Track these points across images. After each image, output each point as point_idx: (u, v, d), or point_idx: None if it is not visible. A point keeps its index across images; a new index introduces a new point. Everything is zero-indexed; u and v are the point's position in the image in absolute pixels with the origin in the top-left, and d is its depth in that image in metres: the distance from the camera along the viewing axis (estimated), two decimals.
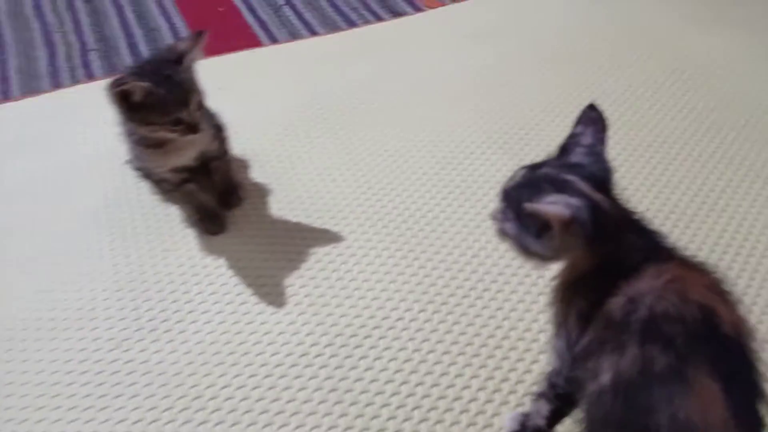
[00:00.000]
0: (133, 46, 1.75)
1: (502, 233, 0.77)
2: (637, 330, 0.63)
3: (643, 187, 1.30)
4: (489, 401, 0.96)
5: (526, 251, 0.75)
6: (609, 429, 0.64)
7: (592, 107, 0.78)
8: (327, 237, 1.21)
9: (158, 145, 1.12)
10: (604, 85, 1.56)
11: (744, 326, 0.63)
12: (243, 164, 1.37)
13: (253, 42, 1.77)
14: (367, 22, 1.84)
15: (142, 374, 1.00)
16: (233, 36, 1.79)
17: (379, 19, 1.85)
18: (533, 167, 0.77)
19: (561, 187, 0.71)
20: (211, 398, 0.97)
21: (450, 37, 1.76)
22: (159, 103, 1.03)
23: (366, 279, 1.14)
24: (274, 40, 1.78)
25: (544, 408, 0.84)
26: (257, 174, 1.35)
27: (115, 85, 1.00)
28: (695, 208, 1.25)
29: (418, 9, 1.89)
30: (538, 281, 1.12)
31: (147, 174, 1.28)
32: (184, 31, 1.81)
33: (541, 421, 0.85)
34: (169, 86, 1.03)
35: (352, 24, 1.83)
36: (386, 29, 1.81)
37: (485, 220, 1.24)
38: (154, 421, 0.94)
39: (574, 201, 0.68)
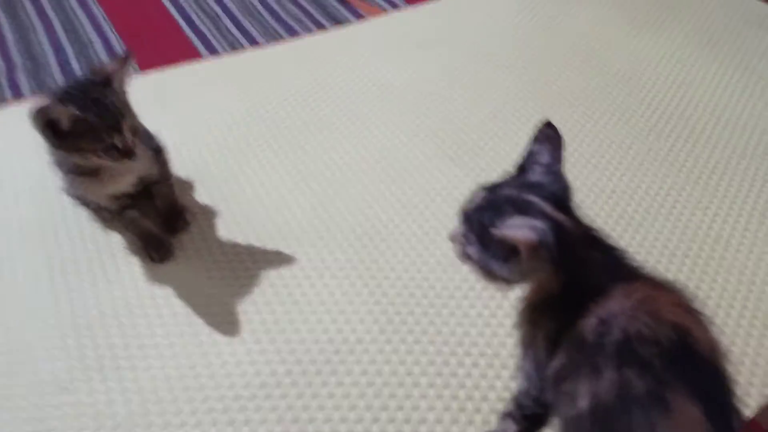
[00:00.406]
0: (63, 63, 1.66)
1: (465, 257, 0.76)
2: (613, 353, 0.63)
3: (591, 193, 1.32)
4: (455, 422, 0.95)
5: (491, 275, 0.74)
6: None
7: (548, 125, 0.78)
8: (279, 258, 1.18)
9: (92, 173, 1.06)
10: (550, 91, 1.58)
11: (718, 346, 0.64)
12: (187, 185, 1.32)
13: (192, 54, 1.71)
14: (308, 30, 1.81)
15: (91, 418, 0.94)
16: (171, 49, 1.72)
17: (320, 27, 1.82)
18: (493, 188, 0.76)
19: (523, 208, 0.71)
20: (165, 427, 0.93)
21: (394, 45, 1.75)
22: (88, 130, 0.97)
23: (322, 301, 1.11)
24: (213, 52, 1.72)
25: (511, 428, 0.84)
26: (202, 195, 1.30)
27: (39, 113, 0.94)
28: (642, 213, 1.28)
29: (360, 16, 1.87)
30: (497, 295, 1.12)
31: (84, 202, 1.21)
32: (118, 46, 1.73)
33: None
34: (98, 110, 0.97)
35: (293, 33, 1.80)
36: (328, 38, 1.78)
37: (439, 233, 1.23)
38: None
39: (538, 223, 0.68)
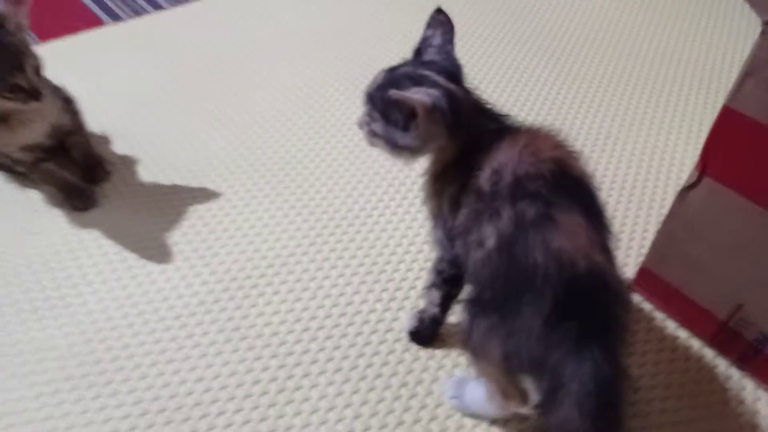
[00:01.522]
0: None
1: (371, 135, 0.83)
2: (507, 194, 0.71)
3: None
4: (387, 309, 1.03)
5: (395, 147, 0.81)
6: (496, 284, 0.72)
7: (439, 11, 0.86)
8: (205, 194, 1.21)
9: (1, 120, 1.05)
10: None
11: (587, 171, 0.75)
12: (103, 139, 1.32)
13: (93, 22, 1.69)
14: None
15: (32, 353, 0.95)
16: (71, 18, 1.69)
17: None
18: (392, 69, 0.83)
19: (419, 81, 0.78)
20: (113, 359, 0.95)
21: None
22: None
23: (252, 225, 1.16)
24: (116, 18, 1.71)
25: (436, 295, 0.92)
26: (121, 147, 1.31)
27: None
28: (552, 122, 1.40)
29: None
30: (408, 202, 1.21)
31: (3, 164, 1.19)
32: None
33: (435, 309, 0.93)
34: None
35: None
36: None
37: (356, 155, 1.30)
38: (56, 392, 0.90)
39: (433, 91, 0.76)
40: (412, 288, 1.06)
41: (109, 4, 1.76)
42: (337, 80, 1.49)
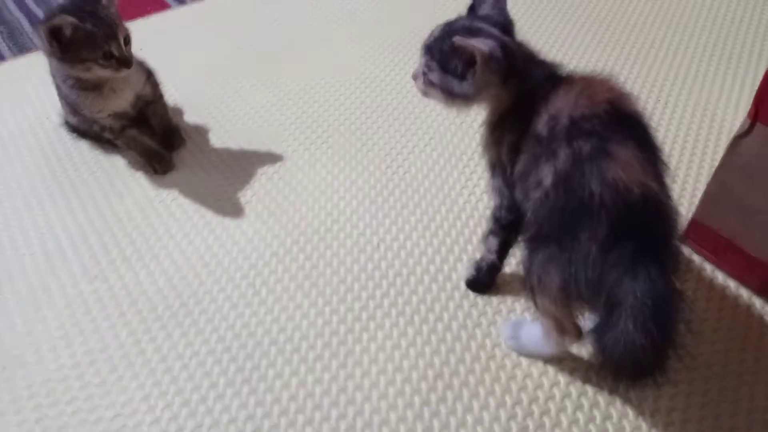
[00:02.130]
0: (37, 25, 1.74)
1: (428, 85, 0.89)
2: (563, 136, 0.76)
3: None
4: (444, 261, 1.09)
5: (451, 95, 0.87)
6: (554, 218, 0.77)
7: None
8: (273, 158, 1.30)
9: (95, 87, 1.16)
10: None
11: (638, 106, 0.79)
12: (177, 111, 1.42)
13: (161, 6, 1.80)
14: None
15: (125, 297, 1.06)
16: (140, 2, 1.81)
17: None
18: (449, 23, 0.89)
19: (476, 33, 0.84)
20: (197, 303, 1.04)
21: None
22: (88, 38, 1.07)
23: (316, 186, 1.24)
24: (181, 2, 1.82)
25: (494, 243, 0.98)
26: (193, 118, 1.41)
27: (44, 23, 1.04)
28: None
29: None
30: (464, 154, 1.26)
31: (86, 129, 1.31)
32: None
33: (492, 257, 0.99)
34: (95, 21, 1.08)
35: None
36: None
37: (413, 122, 1.37)
38: (147, 330, 1.01)
39: (489, 41, 0.81)
40: (468, 242, 1.12)
41: None
42: (393, 53, 1.56)
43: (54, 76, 1.21)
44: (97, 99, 1.17)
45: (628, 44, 1.56)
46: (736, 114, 1.35)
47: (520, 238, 0.83)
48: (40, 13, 1.78)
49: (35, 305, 1.05)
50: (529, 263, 0.81)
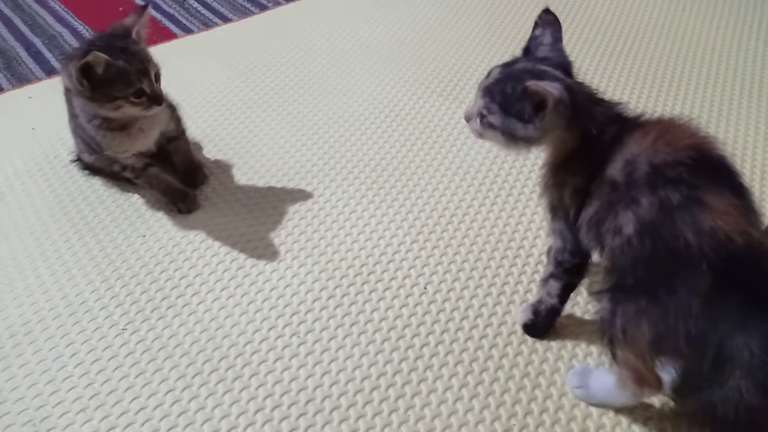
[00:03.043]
0: (36, 55, 1.65)
1: (487, 127, 0.85)
2: (644, 183, 0.74)
3: None
4: (497, 303, 1.05)
5: (512, 138, 0.84)
6: (639, 268, 0.74)
7: (547, 11, 0.89)
8: (303, 195, 1.24)
9: (122, 127, 1.10)
10: (517, 26, 1.71)
11: (721, 146, 0.77)
12: (197, 146, 1.36)
13: (166, 35, 1.74)
14: (277, 4, 1.87)
15: (158, 350, 0.98)
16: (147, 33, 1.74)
17: (288, 0, 1.89)
18: (507, 65, 0.86)
19: (540, 76, 0.81)
20: (238, 355, 0.97)
21: (361, 7, 1.83)
22: (120, 75, 1.01)
23: (353, 224, 1.18)
24: (188, 31, 1.76)
25: (555, 286, 0.94)
26: (214, 153, 1.35)
27: (75, 58, 0.98)
28: None
29: None
30: (504, 193, 1.23)
31: (102, 167, 1.24)
32: (87, 33, 1.74)
33: (553, 300, 0.95)
34: (127, 57, 1.02)
35: (263, 8, 1.85)
36: (298, 8, 1.85)
37: (443, 155, 1.33)
38: (187, 387, 0.93)
39: (556, 84, 0.78)
40: (518, 282, 1.08)
41: (180, 17, 1.81)
42: (414, 85, 1.53)
43: (75, 116, 1.13)
44: (124, 139, 1.10)
45: (692, 82, 1.56)
46: None
47: (600, 288, 0.79)
48: (37, 42, 1.70)
49: (60, 363, 0.96)
50: (611, 315, 0.77)
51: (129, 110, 1.04)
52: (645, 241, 0.73)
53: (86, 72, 0.98)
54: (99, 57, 0.97)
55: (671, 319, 0.70)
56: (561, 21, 0.88)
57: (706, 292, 0.68)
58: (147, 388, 0.93)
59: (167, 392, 0.93)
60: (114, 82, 1.00)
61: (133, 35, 1.05)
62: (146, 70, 1.03)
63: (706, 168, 0.74)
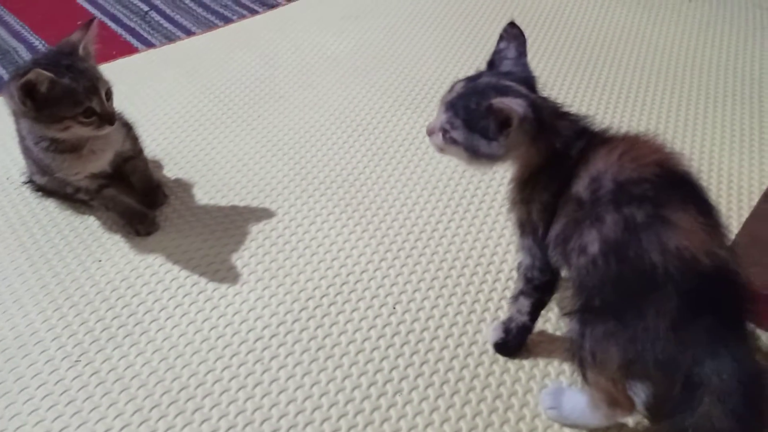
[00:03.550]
0: None
1: (449, 142, 0.83)
2: (609, 200, 0.72)
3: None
4: (468, 322, 1.02)
5: (475, 155, 0.81)
6: (606, 289, 0.72)
7: (512, 25, 0.87)
8: (267, 213, 1.20)
9: (73, 148, 1.05)
10: (485, 38, 1.70)
11: (689, 167, 0.75)
12: (156, 165, 1.31)
13: (127, 49, 1.69)
14: (242, 17, 1.83)
15: (113, 382, 0.93)
16: (104, 46, 1.68)
17: (253, 12, 1.85)
18: (470, 79, 0.84)
19: (504, 91, 0.79)
20: (198, 385, 0.93)
21: (328, 20, 1.81)
22: (66, 94, 0.96)
23: (319, 243, 1.15)
24: (149, 45, 1.71)
25: (525, 304, 0.91)
26: (175, 171, 1.30)
27: (16, 77, 0.93)
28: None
29: None
30: (474, 207, 1.21)
31: (55, 188, 1.18)
32: (44, 48, 1.68)
33: (524, 318, 0.93)
34: (73, 75, 0.97)
35: (227, 21, 1.82)
36: (264, 20, 1.81)
37: (411, 170, 1.30)
38: (144, 421, 0.88)
39: (520, 101, 0.76)
40: (488, 299, 1.06)
41: (140, 31, 1.77)
42: (386, 100, 1.50)
43: (24, 137, 1.08)
44: (75, 162, 1.05)
45: (657, 94, 1.56)
46: (761, 166, 1.35)
47: (569, 309, 0.77)
48: None
49: (7, 399, 0.91)
50: (580, 337, 0.75)
51: (79, 131, 0.99)
52: (610, 260, 0.71)
53: (29, 91, 0.93)
54: (42, 75, 0.92)
55: (639, 343, 0.68)
56: (528, 33, 0.86)
57: (674, 315, 0.66)
58: (101, 423, 0.88)
59: (123, 427, 0.88)
60: (60, 101, 0.95)
61: (80, 51, 1.00)
62: (95, 87, 0.98)
63: (671, 185, 0.72)
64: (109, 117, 1.00)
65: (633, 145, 0.77)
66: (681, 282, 0.66)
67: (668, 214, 0.69)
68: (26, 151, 1.12)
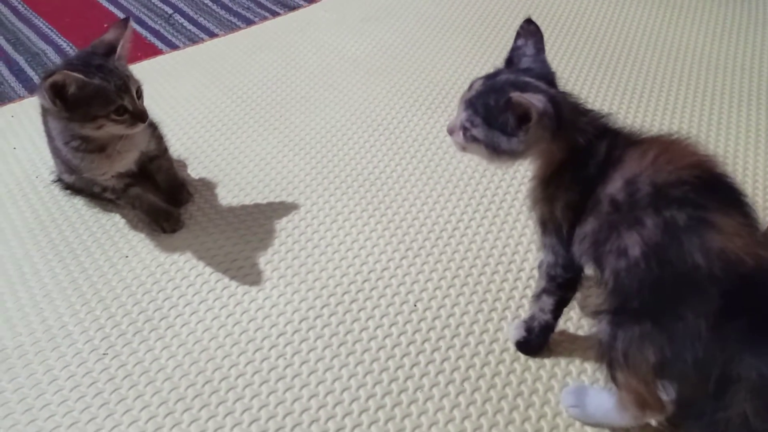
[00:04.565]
0: (18, 73, 1.63)
1: (469, 140, 0.83)
2: (648, 204, 0.71)
3: None
4: (489, 320, 1.02)
5: (496, 152, 0.82)
6: (645, 291, 0.72)
7: (529, 21, 0.87)
8: (290, 212, 1.22)
9: (101, 149, 1.07)
10: (505, 38, 1.70)
11: (722, 165, 0.75)
12: (182, 164, 1.33)
13: (152, 51, 1.72)
14: (264, 19, 1.86)
15: (140, 375, 0.95)
16: (130, 48, 1.71)
17: (275, 14, 1.87)
18: (489, 76, 0.84)
19: (523, 87, 0.79)
20: (222, 379, 0.94)
21: (348, 22, 1.82)
22: (98, 93, 0.98)
23: (341, 241, 1.16)
24: (173, 47, 1.74)
25: (548, 302, 0.91)
26: (199, 170, 1.32)
27: (46, 80, 0.95)
28: None
29: (311, 1, 1.93)
30: (493, 204, 1.21)
31: (82, 187, 1.21)
32: (72, 50, 1.72)
33: (546, 317, 0.93)
34: (104, 74, 0.99)
35: (249, 23, 1.84)
36: (285, 23, 1.83)
37: (432, 170, 1.31)
38: (169, 413, 0.90)
39: (540, 96, 0.76)
40: (509, 298, 1.06)
41: (165, 33, 1.80)
42: (406, 100, 1.51)
43: (53, 138, 1.11)
44: (103, 161, 1.07)
45: (680, 95, 1.55)
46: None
47: (600, 308, 0.77)
48: (20, 60, 1.68)
49: (37, 390, 0.93)
50: (612, 338, 0.74)
51: (112, 129, 1.01)
52: (651, 263, 0.71)
53: (57, 92, 0.95)
54: (69, 76, 0.94)
55: (677, 344, 0.68)
56: (548, 32, 0.86)
57: (714, 315, 0.66)
58: (128, 415, 0.90)
59: (149, 419, 0.89)
60: (92, 100, 0.98)
61: (119, 50, 1.02)
62: (126, 86, 1.00)
63: (710, 187, 0.72)
64: (140, 114, 1.02)
65: (667, 147, 0.76)
66: (725, 282, 0.66)
67: (709, 216, 0.68)
68: (55, 151, 1.14)
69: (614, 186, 0.75)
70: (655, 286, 0.69)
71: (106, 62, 1.00)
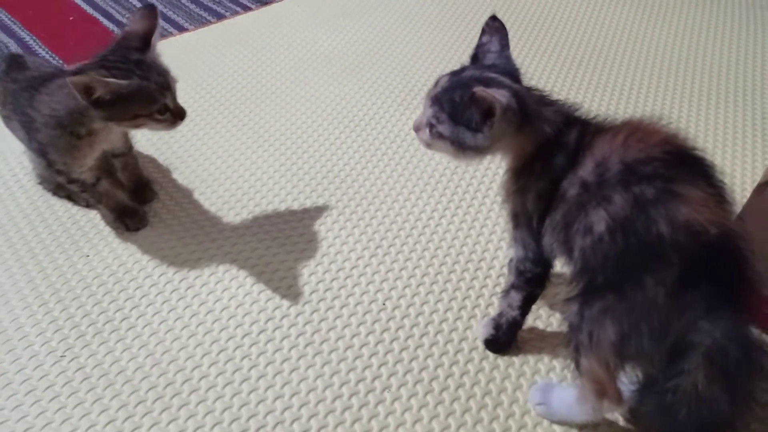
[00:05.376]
0: None
1: (435, 137, 0.82)
2: (617, 181, 0.71)
3: None
4: (458, 318, 1.01)
5: (462, 148, 0.81)
6: (609, 265, 0.71)
7: (494, 18, 0.88)
8: (257, 210, 1.19)
9: (90, 134, 1.01)
10: (474, 40, 1.69)
11: (691, 141, 0.75)
12: (146, 160, 1.30)
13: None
14: (235, 13, 1.82)
15: (99, 378, 0.92)
16: (95, 42, 1.68)
17: (246, 9, 1.84)
18: (455, 73, 0.84)
19: (487, 83, 0.79)
20: (185, 381, 0.92)
21: (321, 17, 1.80)
22: (140, 93, 0.92)
23: (309, 239, 1.14)
24: None
25: (516, 298, 0.90)
26: (164, 167, 1.29)
27: (75, 83, 0.88)
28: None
29: None
30: (467, 205, 1.20)
31: (60, 185, 1.15)
32: (35, 44, 1.67)
33: (514, 313, 0.92)
34: (144, 71, 0.93)
35: (220, 17, 1.81)
36: (257, 17, 1.80)
37: (399, 164, 1.30)
38: (129, 417, 0.87)
39: (503, 91, 0.76)
40: (479, 296, 1.05)
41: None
42: (379, 97, 1.49)
43: (33, 129, 1.03)
44: (85, 150, 1.02)
45: (650, 93, 1.56)
46: (754, 163, 1.35)
47: (570, 294, 0.76)
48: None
49: None
50: (578, 319, 0.74)
51: (152, 127, 0.97)
52: (616, 237, 0.70)
53: (89, 93, 0.90)
54: (96, 80, 0.88)
55: (635, 314, 0.68)
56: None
57: (673, 282, 0.65)
58: (86, 419, 0.87)
59: (107, 423, 0.87)
60: (134, 99, 0.92)
61: (152, 42, 0.97)
62: (168, 84, 0.95)
63: (679, 161, 0.71)
64: (181, 113, 0.98)
65: (637, 128, 0.76)
66: (686, 250, 0.66)
67: (678, 188, 0.68)
68: (28, 137, 1.06)
69: (585, 170, 0.75)
70: (618, 258, 0.69)
71: (144, 57, 0.94)
